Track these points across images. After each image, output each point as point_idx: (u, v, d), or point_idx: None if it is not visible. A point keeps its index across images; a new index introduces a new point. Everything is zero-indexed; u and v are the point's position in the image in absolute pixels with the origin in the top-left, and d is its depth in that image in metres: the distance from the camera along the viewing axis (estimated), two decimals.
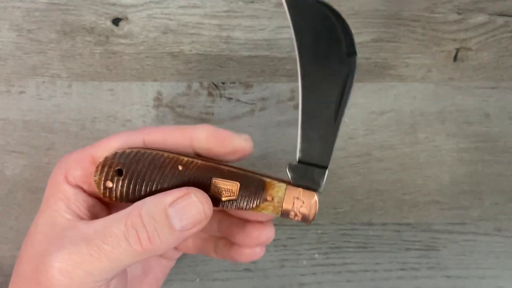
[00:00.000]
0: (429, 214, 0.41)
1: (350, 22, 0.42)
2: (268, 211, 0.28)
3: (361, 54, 0.42)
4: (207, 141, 0.27)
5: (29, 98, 0.41)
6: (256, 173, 0.28)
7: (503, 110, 0.42)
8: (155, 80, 0.41)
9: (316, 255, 0.41)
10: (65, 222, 0.27)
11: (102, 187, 0.27)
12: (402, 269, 0.41)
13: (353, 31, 0.42)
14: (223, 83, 0.41)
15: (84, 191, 0.28)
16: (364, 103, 0.42)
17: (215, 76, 0.41)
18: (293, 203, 0.28)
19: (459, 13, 0.42)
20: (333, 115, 0.27)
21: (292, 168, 0.28)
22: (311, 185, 0.28)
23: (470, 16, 0.42)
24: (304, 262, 0.41)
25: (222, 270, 0.40)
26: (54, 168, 0.29)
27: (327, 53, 0.26)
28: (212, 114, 0.41)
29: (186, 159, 0.27)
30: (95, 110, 0.41)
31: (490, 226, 0.41)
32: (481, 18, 0.42)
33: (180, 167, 0.27)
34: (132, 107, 0.41)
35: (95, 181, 0.27)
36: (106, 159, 0.27)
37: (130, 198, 0.27)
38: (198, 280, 0.40)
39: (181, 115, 0.41)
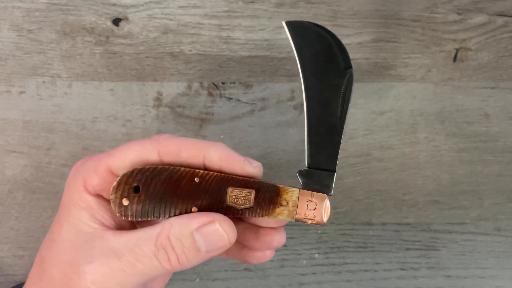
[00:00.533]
0: (429, 214, 0.41)
1: (350, 22, 0.42)
2: (283, 216, 0.29)
3: (361, 54, 0.42)
4: (219, 163, 0.28)
5: (30, 98, 0.41)
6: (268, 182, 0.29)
7: (503, 110, 0.42)
8: (155, 80, 0.41)
9: (316, 255, 0.41)
10: (91, 231, 0.28)
11: (118, 206, 0.28)
12: (401, 269, 0.41)
13: (353, 31, 0.42)
14: (223, 83, 0.41)
15: (105, 199, 0.29)
16: (364, 103, 0.42)
17: (215, 76, 0.41)
18: (307, 206, 0.29)
19: (459, 13, 0.42)
20: (337, 122, 0.29)
21: (302, 173, 0.29)
22: (322, 189, 0.29)
23: (470, 16, 0.42)
24: (304, 262, 0.41)
25: (222, 270, 0.40)
26: (70, 175, 0.29)
27: (326, 68, 0.29)
28: (212, 114, 0.41)
29: (201, 171, 0.28)
30: (95, 110, 0.41)
31: (489, 226, 0.41)
32: (480, 18, 0.42)
33: (196, 179, 0.28)
34: (132, 107, 0.41)
35: (111, 199, 0.28)
36: (123, 176, 0.27)
37: (149, 215, 0.28)
38: (198, 280, 0.40)
39: (181, 115, 0.41)
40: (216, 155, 0.28)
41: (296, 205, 0.28)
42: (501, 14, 0.42)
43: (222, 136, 0.41)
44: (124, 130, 0.41)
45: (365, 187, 0.41)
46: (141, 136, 0.41)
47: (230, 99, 0.41)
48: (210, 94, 0.41)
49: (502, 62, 0.42)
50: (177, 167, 0.28)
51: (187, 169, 0.28)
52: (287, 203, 0.28)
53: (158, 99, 0.41)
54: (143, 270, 0.26)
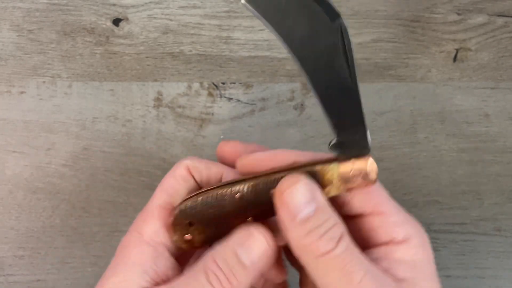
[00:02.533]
0: (429, 214, 0.41)
1: (350, 22, 0.42)
2: (332, 194, 0.28)
3: (361, 55, 0.42)
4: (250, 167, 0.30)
5: (30, 98, 0.41)
6: (303, 165, 0.28)
7: (503, 110, 0.42)
8: (155, 80, 0.41)
9: None
10: None
11: (183, 243, 0.28)
12: None
13: (353, 31, 0.42)
14: (223, 83, 0.41)
15: (166, 248, 0.29)
16: (364, 103, 0.41)
17: (215, 76, 0.41)
18: (352, 174, 0.27)
19: (458, 14, 0.42)
20: (348, 81, 0.26)
21: (334, 145, 0.27)
22: (360, 152, 0.28)
23: (470, 17, 0.42)
24: None
25: None
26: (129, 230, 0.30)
27: (312, 30, 0.24)
28: (212, 114, 0.41)
29: (237, 187, 0.28)
30: (95, 110, 0.41)
31: (489, 226, 0.41)
32: (480, 18, 0.42)
33: (237, 196, 0.28)
34: (132, 107, 0.41)
35: (175, 240, 0.28)
36: (175, 217, 0.28)
37: (212, 240, 0.29)
38: None
39: (181, 115, 0.41)
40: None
41: (341, 179, 0.27)
42: (501, 15, 0.42)
43: (222, 136, 0.41)
44: (124, 130, 0.41)
45: None
46: (141, 136, 0.41)
47: (230, 99, 0.41)
48: (210, 94, 0.41)
49: (502, 62, 0.42)
50: (215, 192, 0.28)
51: (225, 190, 0.28)
52: (331, 182, 0.27)
53: (158, 99, 0.41)
54: None
